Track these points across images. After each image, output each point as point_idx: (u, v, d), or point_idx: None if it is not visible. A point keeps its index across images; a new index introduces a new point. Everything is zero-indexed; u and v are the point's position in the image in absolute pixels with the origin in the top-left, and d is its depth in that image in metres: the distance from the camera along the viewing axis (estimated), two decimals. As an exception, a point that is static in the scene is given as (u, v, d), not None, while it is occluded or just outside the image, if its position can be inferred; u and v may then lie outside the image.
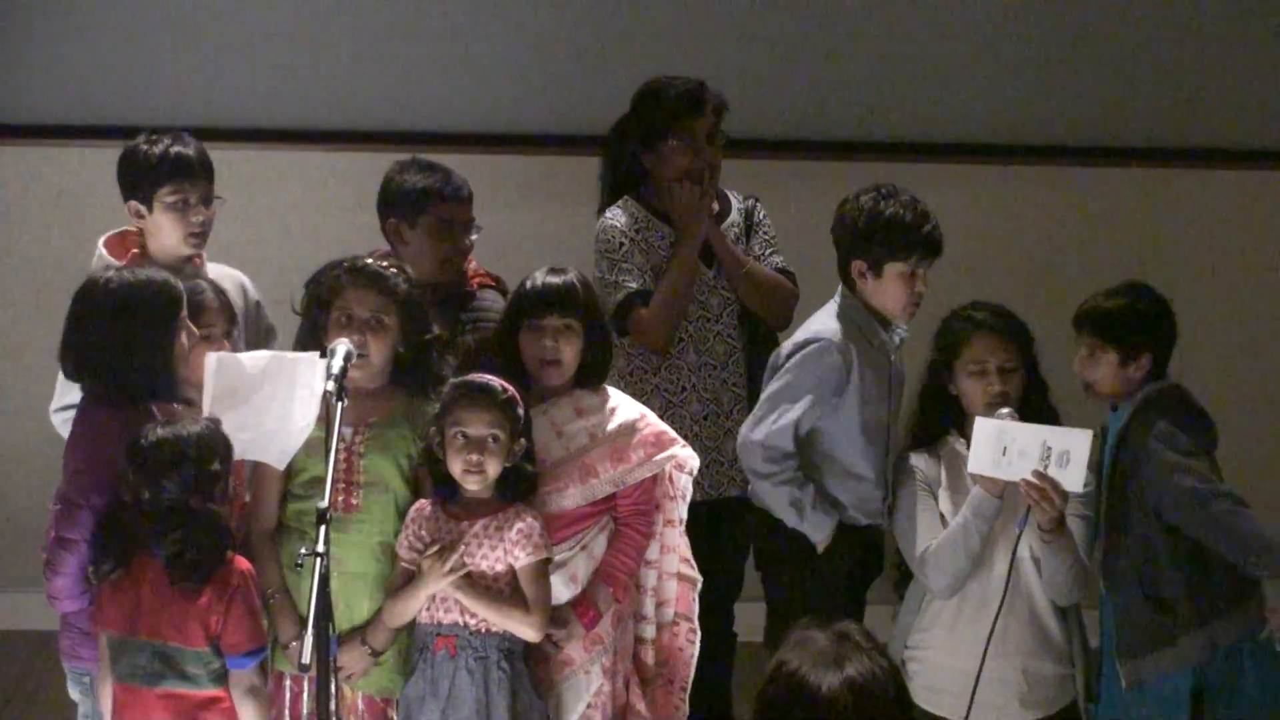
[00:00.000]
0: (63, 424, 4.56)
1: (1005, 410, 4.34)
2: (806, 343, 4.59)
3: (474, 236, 4.86)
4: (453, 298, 4.79)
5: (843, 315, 4.61)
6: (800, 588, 4.65)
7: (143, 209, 4.65)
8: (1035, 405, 4.44)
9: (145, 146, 4.66)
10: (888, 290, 4.57)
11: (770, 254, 5.14)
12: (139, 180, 4.64)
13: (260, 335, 4.83)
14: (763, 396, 4.64)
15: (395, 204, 4.82)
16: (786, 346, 4.65)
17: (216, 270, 4.77)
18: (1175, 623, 4.40)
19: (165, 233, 4.65)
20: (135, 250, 4.67)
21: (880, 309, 4.62)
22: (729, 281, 5.07)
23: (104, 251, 4.66)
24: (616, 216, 5.04)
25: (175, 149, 4.65)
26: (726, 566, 4.99)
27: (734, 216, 5.15)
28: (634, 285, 4.96)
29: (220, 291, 4.52)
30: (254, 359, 4.27)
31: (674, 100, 5.01)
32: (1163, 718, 4.44)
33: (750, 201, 5.19)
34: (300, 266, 4.47)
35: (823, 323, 4.63)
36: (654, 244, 5.03)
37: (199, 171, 4.67)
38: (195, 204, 4.66)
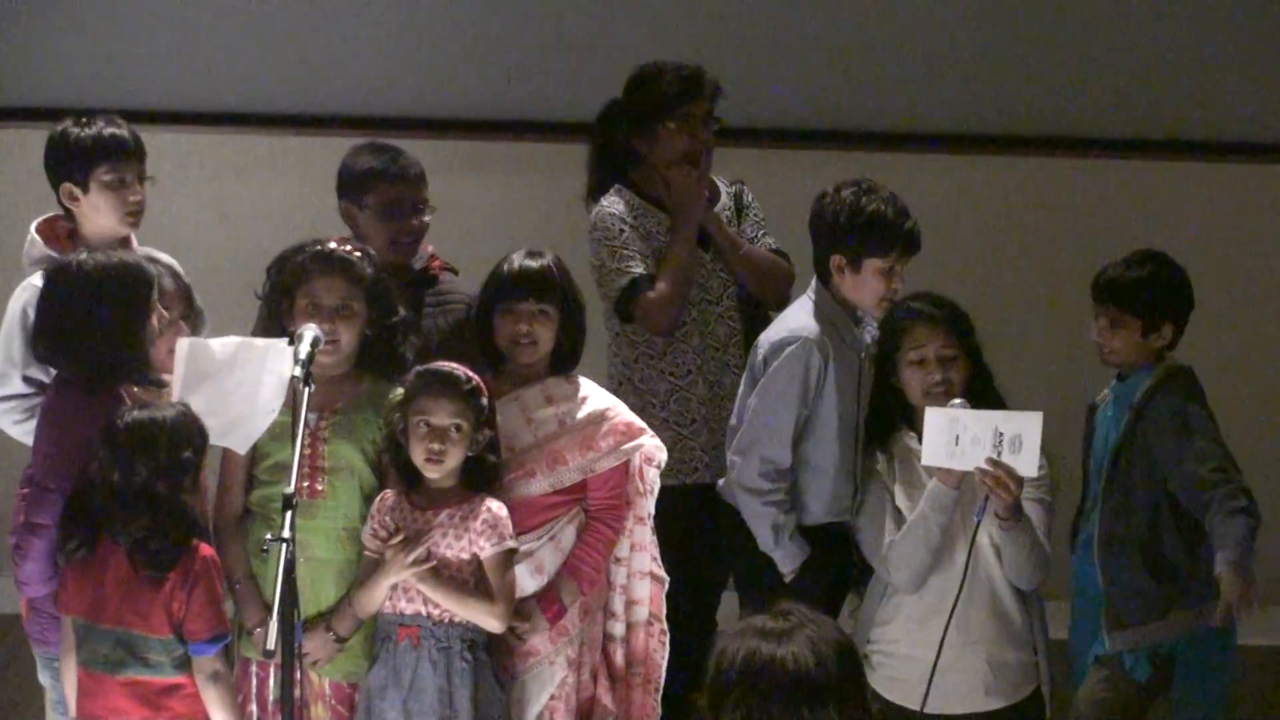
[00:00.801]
0: (1, 415, 4.53)
1: (958, 400, 4.34)
2: (785, 342, 4.58)
3: (426, 218, 4.83)
4: (415, 282, 4.77)
5: (818, 311, 4.61)
6: (772, 585, 4.63)
7: (77, 190, 4.60)
8: (980, 393, 4.44)
9: (76, 129, 4.61)
10: (865, 285, 4.57)
11: (763, 235, 5.15)
12: (73, 161, 4.59)
13: (191, 319, 4.82)
14: (752, 406, 4.61)
15: (346, 186, 4.82)
16: (764, 345, 4.63)
17: (146, 254, 4.74)
18: (1170, 596, 4.49)
19: (102, 213, 4.61)
20: (66, 235, 4.63)
21: (856, 303, 4.62)
22: (726, 264, 5.07)
23: (37, 238, 4.62)
24: (613, 204, 5.02)
25: (109, 130, 4.61)
26: (721, 553, 4.97)
27: (724, 200, 5.14)
28: (639, 270, 4.94)
29: (176, 275, 4.51)
30: (224, 344, 4.28)
31: (672, 83, 5.00)
32: (1128, 676, 4.55)
33: (737, 185, 5.19)
34: (271, 250, 4.45)
35: (799, 320, 4.62)
36: (651, 230, 5.01)
37: (134, 150, 4.63)
38: (131, 182, 4.62)
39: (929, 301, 4.49)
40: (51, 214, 4.69)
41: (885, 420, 4.53)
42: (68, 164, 4.60)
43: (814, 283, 4.66)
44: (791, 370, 4.55)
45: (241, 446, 4.26)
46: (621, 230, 4.98)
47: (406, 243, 4.77)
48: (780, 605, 3.11)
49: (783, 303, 5.04)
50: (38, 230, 4.64)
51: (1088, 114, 6.26)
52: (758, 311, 5.09)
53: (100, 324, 4.15)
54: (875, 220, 4.52)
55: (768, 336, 4.64)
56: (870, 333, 4.70)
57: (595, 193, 5.12)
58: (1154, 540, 4.50)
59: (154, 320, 4.22)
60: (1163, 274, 4.58)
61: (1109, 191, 6.25)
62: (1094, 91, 6.25)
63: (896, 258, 4.55)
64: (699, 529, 4.82)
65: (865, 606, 4.55)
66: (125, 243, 4.65)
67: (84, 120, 4.63)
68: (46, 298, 4.23)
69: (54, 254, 4.52)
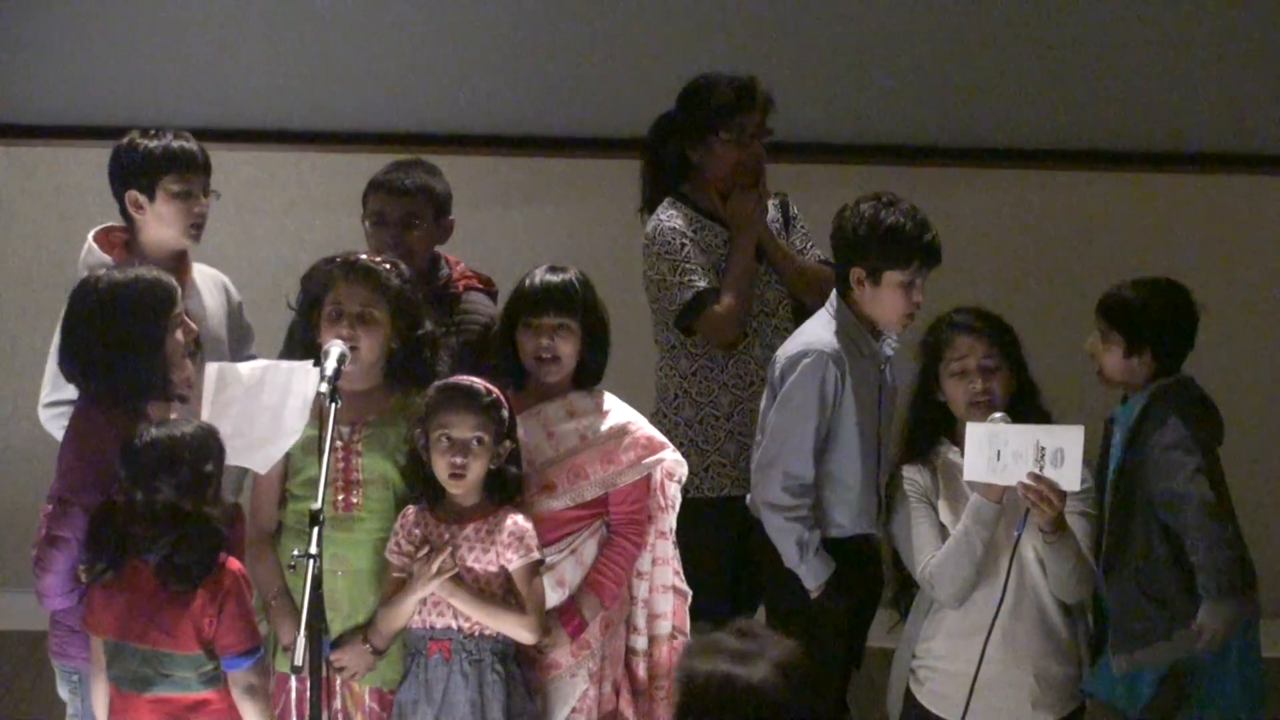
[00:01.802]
0: (51, 419, 4.56)
1: (998, 415, 4.34)
2: (800, 356, 4.58)
3: (417, 232, 4.80)
4: (438, 299, 4.76)
5: (836, 325, 4.60)
6: (802, 599, 4.64)
7: (143, 199, 4.64)
8: (1025, 408, 4.44)
9: (144, 140, 4.65)
10: (885, 299, 4.56)
11: (810, 247, 5.17)
12: (142, 170, 4.62)
13: (240, 336, 4.85)
14: (771, 422, 4.61)
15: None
16: (781, 360, 4.63)
17: (200, 270, 4.77)
18: (1171, 618, 4.45)
19: (167, 223, 4.65)
20: (122, 245, 4.66)
21: (876, 318, 4.61)
22: (780, 276, 5.10)
23: (94, 246, 4.65)
24: (671, 217, 5.04)
25: (178, 142, 4.66)
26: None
27: (773, 213, 5.15)
28: (702, 284, 4.97)
29: (228, 292, 4.53)
30: (252, 368, 4.29)
31: (726, 94, 5.02)
32: (1128, 696, 4.51)
33: (781, 196, 5.19)
34: (295, 267, 4.48)
35: (815, 334, 4.62)
36: (710, 243, 5.03)
37: (201, 163, 4.68)
38: (197, 194, 4.66)
39: (971, 313, 4.50)
40: (109, 224, 4.72)
41: (927, 434, 4.53)
42: (136, 172, 4.63)
43: (833, 296, 4.66)
44: (807, 384, 4.55)
45: (261, 467, 4.27)
46: (683, 245, 4.99)
47: (390, 255, 4.68)
48: (740, 623, 3.14)
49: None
50: (95, 239, 4.67)
51: (1113, 128, 6.28)
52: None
53: (116, 342, 4.14)
54: (894, 233, 4.51)
55: (784, 351, 4.64)
56: (890, 345, 4.71)
57: (650, 206, 5.14)
58: (1148, 568, 4.47)
59: (177, 335, 4.22)
60: (1157, 302, 4.55)
61: (1127, 205, 6.26)
62: (1119, 106, 6.27)
63: (916, 270, 4.54)
64: (744, 539, 4.83)
65: (910, 621, 4.55)
66: (182, 257, 4.68)
67: (152, 132, 4.67)
68: (68, 316, 4.23)
69: (111, 261, 4.53)
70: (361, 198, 4.87)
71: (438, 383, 4.24)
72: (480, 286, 4.91)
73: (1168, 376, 4.53)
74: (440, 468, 4.18)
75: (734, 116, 5.00)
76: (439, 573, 4.16)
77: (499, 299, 4.88)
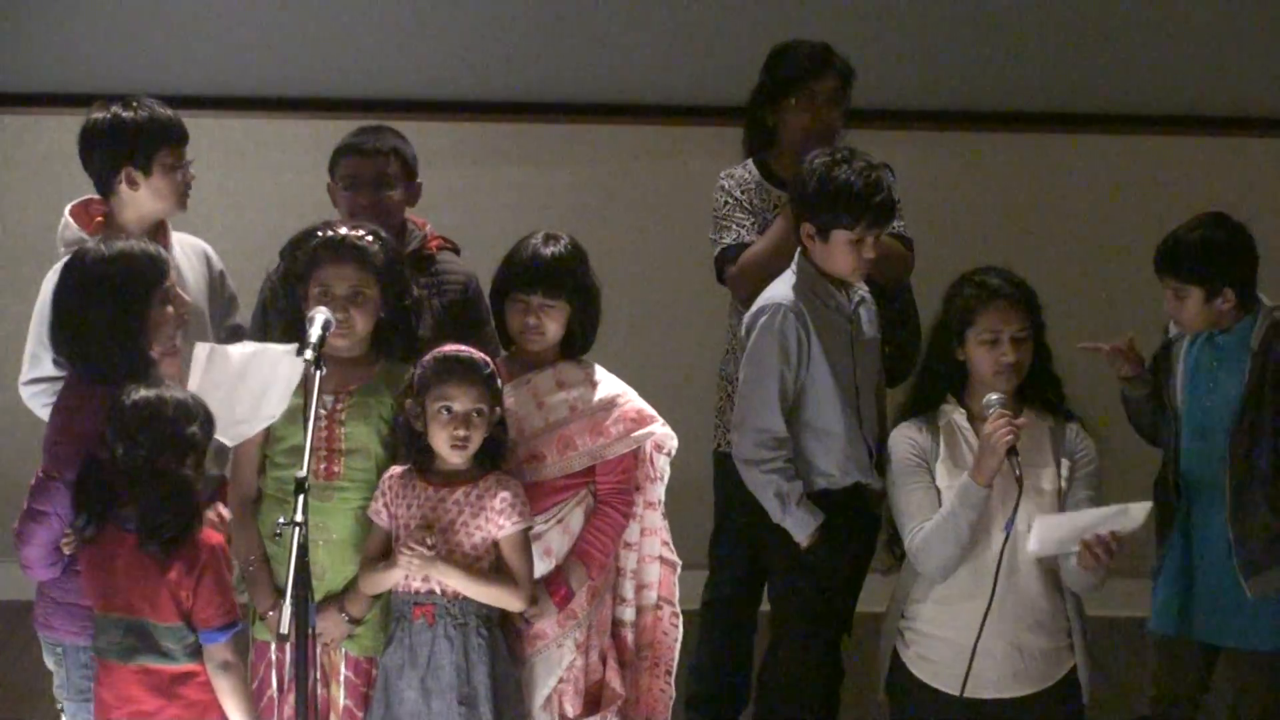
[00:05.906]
0: (32, 397, 4.54)
1: (994, 396, 4.32)
2: (759, 313, 4.60)
3: (392, 193, 4.77)
4: (411, 261, 4.71)
5: (798, 280, 4.61)
6: (799, 553, 4.64)
7: (138, 175, 4.58)
8: (1039, 372, 4.43)
9: (126, 113, 4.58)
10: (834, 255, 4.57)
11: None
12: (134, 146, 4.56)
13: (223, 305, 4.81)
14: (740, 381, 4.63)
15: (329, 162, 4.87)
16: (745, 319, 4.67)
17: (180, 239, 4.73)
18: None
19: (162, 196, 4.60)
20: (100, 219, 4.61)
21: (830, 271, 4.61)
22: None
23: (70, 221, 4.60)
24: (730, 175, 5.11)
25: (160, 112, 4.61)
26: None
27: None
28: (728, 240, 5.02)
29: (209, 260, 4.55)
30: (242, 352, 4.27)
31: (798, 60, 5.07)
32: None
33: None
34: (281, 234, 4.45)
35: (776, 290, 4.63)
36: (757, 206, 5.05)
37: (183, 131, 4.64)
38: (185, 164, 4.63)
39: (1005, 279, 4.45)
40: (86, 197, 4.67)
41: (936, 390, 4.49)
42: (127, 149, 4.56)
43: (797, 253, 4.65)
44: (766, 338, 4.56)
45: (231, 441, 4.26)
46: (725, 202, 5.07)
47: (365, 217, 4.64)
48: None
49: (898, 286, 5.03)
50: (71, 213, 4.62)
51: (1122, 90, 6.27)
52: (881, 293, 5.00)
53: (96, 320, 4.12)
54: (842, 192, 4.50)
55: (749, 310, 4.66)
56: (861, 292, 4.69)
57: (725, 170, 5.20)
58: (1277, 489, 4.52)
59: (166, 311, 4.18)
60: (1217, 237, 4.57)
61: (1119, 168, 6.25)
62: (1126, 67, 6.25)
63: (864, 230, 4.53)
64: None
65: (901, 580, 4.54)
66: (161, 228, 4.64)
67: (132, 104, 4.60)
68: (57, 294, 4.21)
69: (87, 237, 4.49)
70: (329, 165, 4.84)
71: (434, 353, 4.22)
72: (450, 247, 4.90)
73: (1252, 302, 4.57)
74: (441, 440, 4.17)
75: (806, 81, 5.04)
76: (427, 550, 4.13)
77: (487, 264, 4.86)
